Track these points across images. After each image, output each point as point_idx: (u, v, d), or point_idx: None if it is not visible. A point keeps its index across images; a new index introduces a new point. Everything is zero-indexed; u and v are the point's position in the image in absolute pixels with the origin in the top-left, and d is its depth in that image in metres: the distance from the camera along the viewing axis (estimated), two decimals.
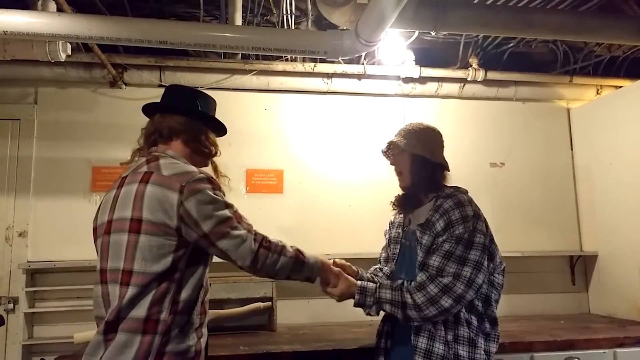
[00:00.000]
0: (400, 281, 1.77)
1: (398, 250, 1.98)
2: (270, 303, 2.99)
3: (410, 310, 1.69)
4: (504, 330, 2.84)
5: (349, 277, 1.83)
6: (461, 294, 1.68)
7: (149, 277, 1.51)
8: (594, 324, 3.11)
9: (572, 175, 3.77)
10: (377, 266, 2.15)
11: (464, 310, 1.75)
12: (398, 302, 1.71)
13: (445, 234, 1.74)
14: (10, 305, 3.01)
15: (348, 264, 1.94)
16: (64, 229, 3.15)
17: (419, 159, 1.88)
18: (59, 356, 2.38)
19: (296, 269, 1.72)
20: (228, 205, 1.62)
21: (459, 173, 3.56)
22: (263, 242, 1.65)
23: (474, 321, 1.77)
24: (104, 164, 3.26)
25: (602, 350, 2.57)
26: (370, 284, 1.77)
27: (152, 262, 1.51)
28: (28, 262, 3.06)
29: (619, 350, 2.58)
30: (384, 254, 2.13)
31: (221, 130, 1.90)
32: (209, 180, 1.62)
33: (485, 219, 1.84)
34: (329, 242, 3.37)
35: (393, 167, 2.02)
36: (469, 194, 1.92)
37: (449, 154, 3.59)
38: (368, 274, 2.04)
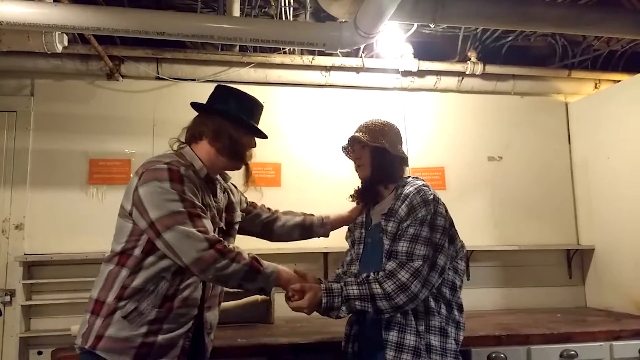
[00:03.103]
0: (365, 274, 1.73)
1: (361, 250, 1.97)
2: (268, 296, 2.99)
3: (380, 301, 1.65)
4: (501, 322, 2.88)
5: (313, 284, 1.72)
6: (428, 278, 1.68)
7: (109, 258, 1.63)
8: (591, 317, 3.12)
9: (570, 169, 3.78)
10: (339, 271, 2.10)
11: (431, 299, 1.74)
12: (367, 295, 1.66)
13: (409, 219, 1.74)
14: (7, 298, 3.01)
15: (310, 274, 1.82)
16: (61, 221, 3.14)
17: (380, 151, 1.91)
18: (56, 349, 2.37)
19: (249, 278, 1.59)
20: (185, 201, 1.56)
21: (457, 166, 3.66)
22: (216, 245, 1.54)
23: (443, 310, 1.77)
24: (101, 157, 3.25)
25: (598, 343, 2.58)
26: (335, 284, 1.71)
27: (115, 243, 1.63)
28: (25, 254, 3.05)
29: (615, 343, 2.59)
30: (347, 257, 2.10)
31: (256, 132, 1.86)
32: (170, 171, 1.58)
33: (444, 204, 1.84)
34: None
35: (353, 162, 2.04)
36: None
37: (447, 148, 3.64)
38: (332, 280, 1.97)
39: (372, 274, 1.72)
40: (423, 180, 1.91)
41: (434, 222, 1.74)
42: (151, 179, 1.57)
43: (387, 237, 1.78)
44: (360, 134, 1.94)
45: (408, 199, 1.77)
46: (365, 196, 2.00)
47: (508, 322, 2.92)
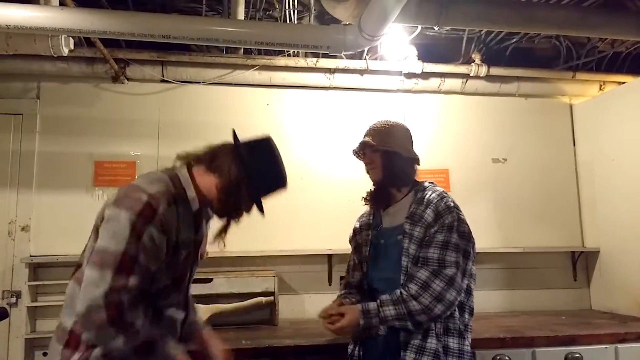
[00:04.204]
0: (398, 292, 1.73)
1: (369, 252, 1.97)
2: (272, 298, 3.00)
3: (419, 316, 1.68)
4: (506, 325, 2.88)
5: (349, 306, 1.77)
6: (461, 285, 1.69)
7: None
8: (596, 319, 3.11)
9: (575, 171, 3.77)
10: (342, 292, 2.07)
11: None
12: (404, 314, 1.68)
13: (436, 225, 1.74)
14: (13, 299, 3.02)
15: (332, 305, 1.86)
16: (67, 223, 3.15)
17: (392, 155, 1.91)
18: None
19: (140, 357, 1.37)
20: (130, 243, 1.34)
21: (461, 169, 3.65)
22: (122, 311, 1.31)
23: (456, 312, 1.78)
24: (106, 159, 3.26)
25: (603, 346, 2.58)
26: (372, 304, 1.72)
27: None
28: (30, 256, 3.07)
29: (620, 345, 2.59)
30: (352, 262, 2.09)
31: (259, 208, 1.65)
32: (146, 206, 1.38)
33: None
34: (331, 237, 3.36)
35: (364, 165, 2.03)
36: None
37: (451, 150, 3.64)
38: (348, 299, 1.96)
39: (402, 290, 1.71)
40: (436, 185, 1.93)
41: (459, 228, 1.75)
42: (116, 204, 1.42)
43: (413, 242, 1.77)
44: (371, 138, 1.93)
45: (433, 205, 1.78)
46: (378, 199, 1.98)
47: (512, 324, 2.91)
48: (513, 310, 3.45)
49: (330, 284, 3.36)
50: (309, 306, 3.31)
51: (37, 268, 3.11)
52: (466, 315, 1.80)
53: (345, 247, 3.27)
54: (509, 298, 3.53)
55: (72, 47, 2.84)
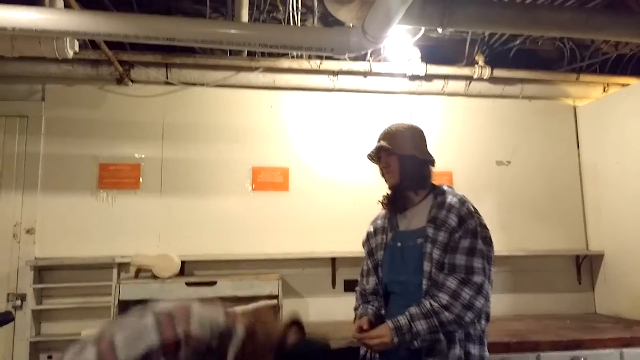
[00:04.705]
0: (427, 303, 1.69)
1: (384, 255, 1.94)
2: (276, 301, 2.99)
3: (450, 325, 1.67)
4: (510, 329, 2.86)
5: (381, 325, 1.74)
6: (488, 291, 1.70)
7: None
8: (600, 323, 3.10)
9: (579, 173, 3.76)
10: (360, 302, 2.02)
11: None
12: (436, 326, 1.66)
13: (460, 230, 1.73)
14: (18, 302, 3.03)
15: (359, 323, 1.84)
16: (72, 225, 3.17)
17: (408, 158, 1.90)
18: None
19: None
20: None
21: (465, 171, 3.65)
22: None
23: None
24: (111, 161, 3.27)
25: (608, 350, 2.57)
26: (402, 319, 1.68)
27: None
28: (35, 258, 3.08)
29: (625, 350, 2.57)
30: (365, 267, 2.04)
31: None
32: None
33: None
34: (335, 240, 3.37)
35: (380, 169, 2.01)
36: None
37: (455, 152, 3.63)
38: (370, 310, 1.93)
39: (430, 301, 1.69)
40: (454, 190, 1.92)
41: (482, 233, 1.75)
42: None
43: (436, 246, 1.75)
44: (387, 142, 1.92)
45: (455, 209, 1.77)
46: (396, 203, 1.95)
47: (517, 328, 2.90)
48: (517, 313, 3.44)
49: (334, 287, 3.36)
50: (313, 309, 3.31)
51: (42, 271, 3.11)
52: (482, 322, 1.79)
53: (349, 250, 3.30)
54: (513, 301, 3.52)
55: (76, 49, 2.85)
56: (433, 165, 1.97)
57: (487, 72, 3.52)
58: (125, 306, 2.88)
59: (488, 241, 1.77)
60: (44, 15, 2.36)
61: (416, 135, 1.96)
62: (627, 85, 3.60)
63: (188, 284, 2.94)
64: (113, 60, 3.08)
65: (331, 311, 3.29)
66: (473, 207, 1.82)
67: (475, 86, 3.63)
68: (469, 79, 3.59)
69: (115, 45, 3.05)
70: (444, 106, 3.70)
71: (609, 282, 3.48)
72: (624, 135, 3.34)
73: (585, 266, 3.62)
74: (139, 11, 2.95)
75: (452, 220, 1.76)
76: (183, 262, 3.13)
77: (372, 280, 1.96)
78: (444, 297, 1.68)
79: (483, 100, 3.74)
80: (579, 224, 3.70)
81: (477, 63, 3.53)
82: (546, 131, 3.78)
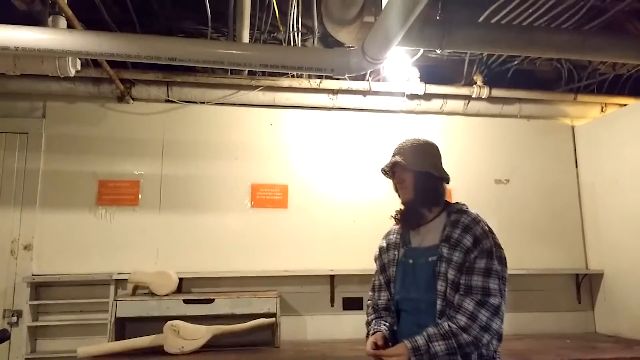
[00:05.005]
0: (446, 325, 1.69)
1: (396, 272, 1.93)
2: (273, 319, 2.97)
3: (468, 347, 1.66)
4: (510, 349, 2.84)
5: (397, 345, 1.73)
6: (504, 311, 1.69)
7: None
8: (601, 343, 3.08)
9: (577, 192, 3.77)
10: (371, 301, 2.03)
11: None
12: (454, 347, 1.65)
13: (475, 250, 1.71)
14: (14, 319, 3.02)
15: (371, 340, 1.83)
16: (70, 242, 3.16)
17: (424, 175, 1.88)
18: None
19: None
20: None
21: (464, 189, 3.65)
22: None
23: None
24: (110, 178, 3.28)
25: None
26: (420, 339, 1.67)
27: None
28: (33, 275, 3.07)
29: None
30: (377, 281, 2.04)
31: None
32: None
33: None
34: (334, 258, 3.36)
35: (394, 184, 2.00)
36: (474, 210, 1.91)
37: (454, 171, 3.61)
38: (383, 326, 1.91)
39: (453, 322, 1.68)
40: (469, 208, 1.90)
41: (497, 253, 1.73)
42: None
43: (451, 266, 1.74)
44: (402, 157, 1.89)
45: (470, 229, 1.75)
46: (409, 219, 1.92)
47: (517, 348, 2.88)
48: (517, 333, 3.41)
49: (332, 305, 3.34)
50: (311, 328, 3.29)
51: (39, 287, 3.10)
52: (494, 342, 1.78)
53: (347, 267, 3.29)
54: (513, 321, 3.49)
55: (79, 68, 2.87)
56: (448, 182, 1.94)
57: (485, 91, 3.55)
58: (122, 323, 2.87)
59: (503, 261, 1.75)
60: (48, 36, 2.38)
61: (432, 152, 1.94)
62: (625, 105, 3.63)
63: (186, 301, 2.93)
64: (114, 79, 3.11)
65: (329, 330, 3.27)
66: (487, 226, 1.79)
67: (474, 105, 3.66)
68: (468, 98, 3.62)
69: (117, 64, 3.07)
70: (442, 125, 3.72)
71: (609, 302, 3.46)
72: (621, 154, 3.36)
73: (585, 285, 3.61)
74: (142, 31, 2.99)
75: (467, 240, 1.74)
76: (181, 279, 3.12)
77: (384, 295, 1.96)
78: (461, 319, 1.66)
79: (482, 119, 3.76)
80: (578, 242, 3.70)
81: (476, 83, 3.57)
82: (544, 150, 3.80)
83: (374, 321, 1.94)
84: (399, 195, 1.95)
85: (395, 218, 1.97)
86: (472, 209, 1.88)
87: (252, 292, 3.15)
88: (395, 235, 2.01)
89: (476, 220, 1.79)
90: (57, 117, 3.31)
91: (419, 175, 1.87)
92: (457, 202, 1.93)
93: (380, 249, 2.06)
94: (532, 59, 3.55)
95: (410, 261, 1.89)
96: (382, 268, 2.01)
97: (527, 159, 3.76)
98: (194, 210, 3.33)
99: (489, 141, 3.76)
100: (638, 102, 3.38)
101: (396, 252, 1.95)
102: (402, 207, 1.95)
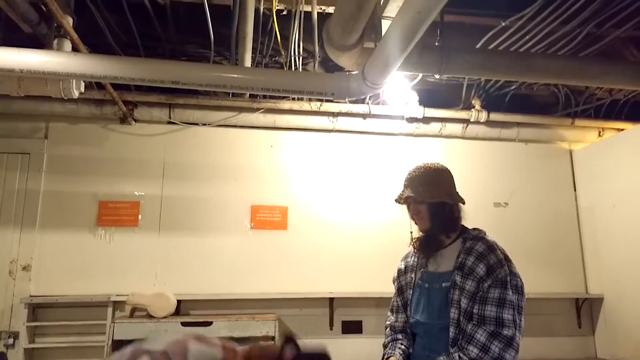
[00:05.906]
0: (457, 356, 1.67)
1: (412, 295, 1.93)
2: (272, 342, 2.95)
3: None
4: None
5: None
6: (518, 342, 1.66)
7: None
8: None
9: (576, 216, 3.78)
10: (389, 321, 2.03)
11: None
12: None
13: (489, 279, 1.70)
14: (10, 340, 2.99)
15: None
16: (68, 263, 3.15)
17: (439, 205, 1.86)
18: None
19: None
20: None
21: (463, 212, 3.64)
22: None
23: None
24: (111, 199, 3.29)
25: None
26: None
27: None
28: (30, 296, 3.05)
29: None
30: (395, 303, 2.04)
31: None
32: None
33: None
34: (333, 280, 3.35)
35: (410, 215, 1.97)
36: (491, 237, 1.90)
37: None
38: (398, 350, 1.91)
39: (464, 353, 1.66)
40: (485, 235, 1.89)
41: (512, 282, 1.71)
42: None
43: (464, 295, 1.73)
44: (414, 191, 1.87)
45: (484, 258, 1.74)
46: (428, 246, 1.91)
47: None
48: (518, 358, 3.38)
49: (331, 329, 3.32)
50: None
51: (37, 308, 3.08)
52: None
53: (347, 290, 3.28)
54: None
55: (82, 90, 2.90)
56: (463, 203, 1.93)
57: (483, 115, 3.59)
58: (119, 346, 2.84)
59: (519, 290, 1.73)
60: (53, 58, 2.41)
61: (443, 179, 1.92)
62: (622, 129, 3.66)
63: (184, 323, 2.91)
64: (117, 101, 3.14)
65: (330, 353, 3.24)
66: (503, 253, 1.77)
67: (472, 129, 3.69)
68: (466, 122, 3.66)
69: (120, 86, 3.10)
70: (441, 148, 3.75)
71: (610, 326, 3.44)
72: (619, 179, 3.38)
73: (585, 310, 3.60)
74: (145, 55, 3.03)
75: (481, 269, 1.72)
76: (179, 301, 3.11)
77: (402, 317, 1.95)
78: (473, 351, 1.65)
79: (480, 143, 3.79)
80: (577, 266, 3.69)
81: (474, 107, 3.61)
82: (543, 174, 3.82)
83: (390, 344, 1.95)
84: (416, 223, 1.94)
85: (413, 246, 1.97)
86: (487, 235, 1.87)
87: (251, 314, 3.13)
88: (413, 258, 2.01)
89: (491, 248, 1.77)
90: (59, 137, 3.33)
91: (434, 206, 1.86)
92: (474, 228, 1.93)
93: (399, 271, 2.06)
94: (530, 84, 3.60)
95: (426, 285, 1.89)
96: (400, 290, 2.01)
97: (526, 183, 3.78)
98: (194, 232, 3.33)
99: (488, 164, 3.79)
100: (635, 127, 3.42)
101: (413, 275, 1.95)
102: (419, 234, 1.94)
